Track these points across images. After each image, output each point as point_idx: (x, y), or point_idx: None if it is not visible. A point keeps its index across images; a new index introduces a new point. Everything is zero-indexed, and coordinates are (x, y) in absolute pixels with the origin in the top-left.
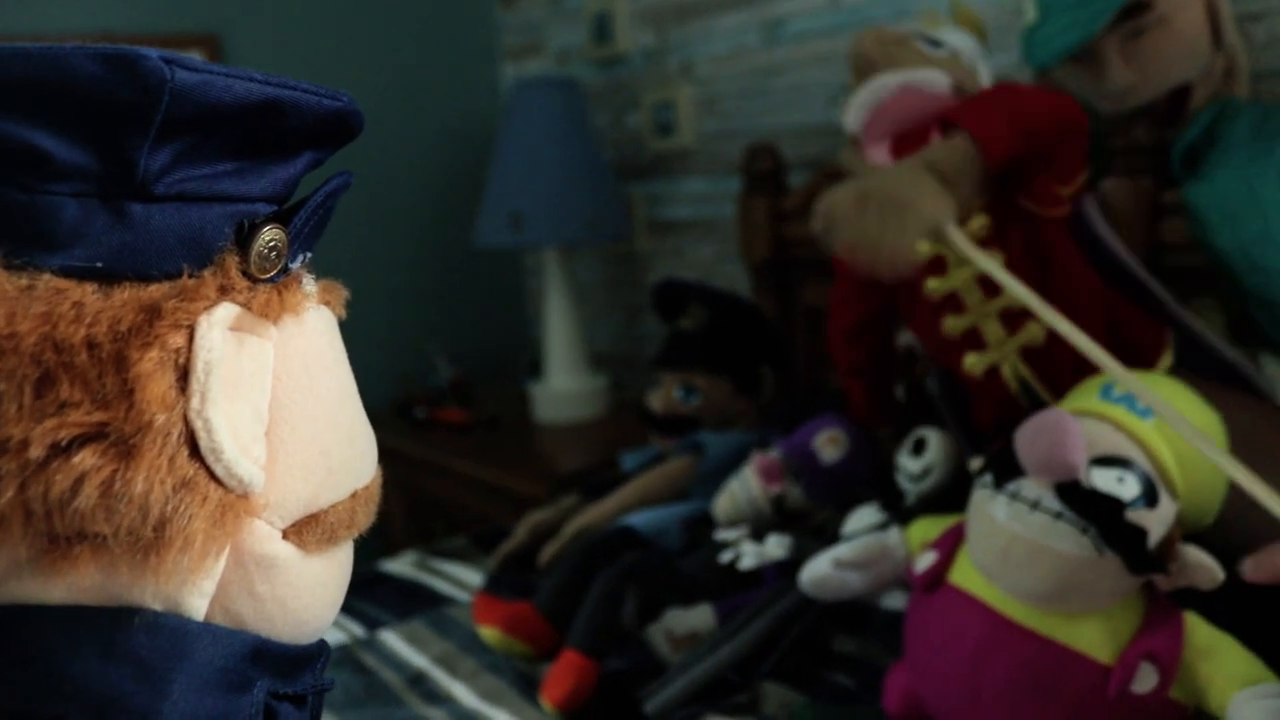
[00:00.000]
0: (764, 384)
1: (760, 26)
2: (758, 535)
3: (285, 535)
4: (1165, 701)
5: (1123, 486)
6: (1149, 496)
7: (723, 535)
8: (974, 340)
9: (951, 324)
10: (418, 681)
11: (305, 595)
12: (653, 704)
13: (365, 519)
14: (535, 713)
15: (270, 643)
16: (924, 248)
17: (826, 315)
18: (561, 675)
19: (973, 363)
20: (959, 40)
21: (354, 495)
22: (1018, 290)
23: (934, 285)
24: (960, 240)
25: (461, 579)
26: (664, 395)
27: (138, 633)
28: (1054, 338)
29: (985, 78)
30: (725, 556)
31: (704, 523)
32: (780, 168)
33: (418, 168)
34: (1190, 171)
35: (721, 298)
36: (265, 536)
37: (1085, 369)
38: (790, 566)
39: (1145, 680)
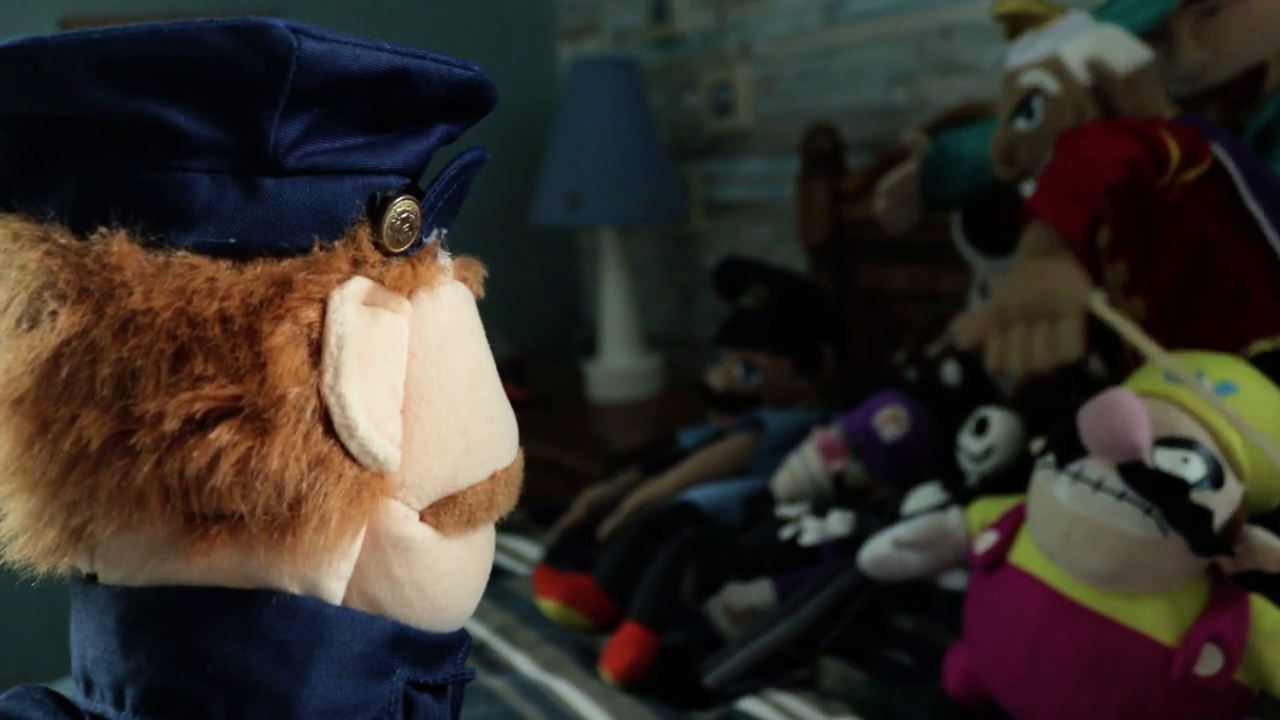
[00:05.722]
0: (824, 363)
1: (820, 7)
2: (818, 512)
3: (423, 517)
4: (1230, 684)
5: (1187, 467)
6: (1214, 478)
7: (783, 511)
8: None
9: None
10: (478, 651)
11: (444, 580)
12: (712, 677)
13: (506, 502)
14: (595, 683)
15: (410, 629)
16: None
17: (884, 296)
18: (621, 647)
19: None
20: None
21: (493, 476)
22: (1157, 356)
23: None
24: (1106, 311)
25: (520, 552)
26: (725, 373)
27: (276, 616)
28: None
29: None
30: (786, 532)
31: (764, 499)
32: (839, 149)
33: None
34: (1263, 155)
35: (783, 277)
36: (402, 517)
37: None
38: (851, 543)
39: (1210, 662)
